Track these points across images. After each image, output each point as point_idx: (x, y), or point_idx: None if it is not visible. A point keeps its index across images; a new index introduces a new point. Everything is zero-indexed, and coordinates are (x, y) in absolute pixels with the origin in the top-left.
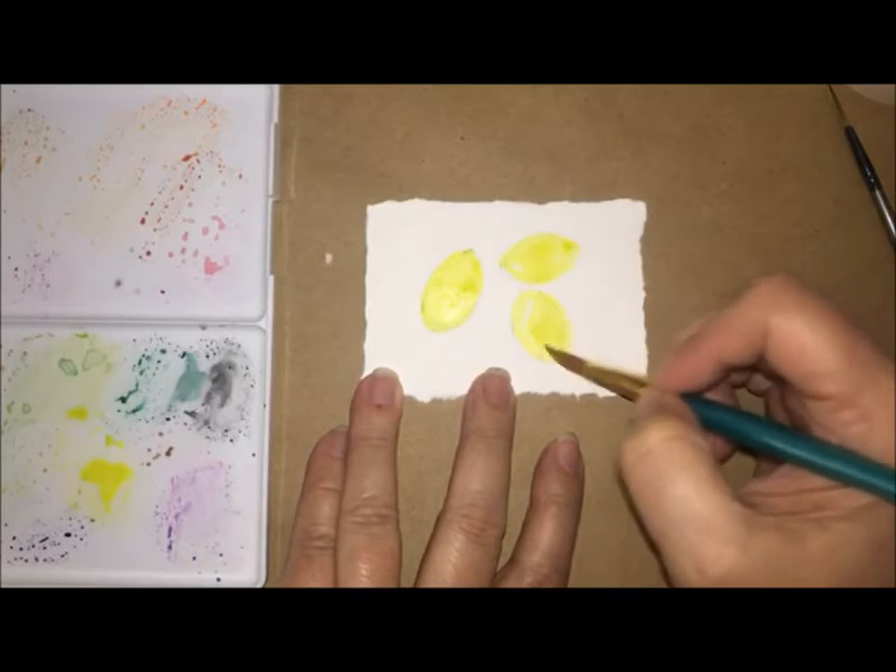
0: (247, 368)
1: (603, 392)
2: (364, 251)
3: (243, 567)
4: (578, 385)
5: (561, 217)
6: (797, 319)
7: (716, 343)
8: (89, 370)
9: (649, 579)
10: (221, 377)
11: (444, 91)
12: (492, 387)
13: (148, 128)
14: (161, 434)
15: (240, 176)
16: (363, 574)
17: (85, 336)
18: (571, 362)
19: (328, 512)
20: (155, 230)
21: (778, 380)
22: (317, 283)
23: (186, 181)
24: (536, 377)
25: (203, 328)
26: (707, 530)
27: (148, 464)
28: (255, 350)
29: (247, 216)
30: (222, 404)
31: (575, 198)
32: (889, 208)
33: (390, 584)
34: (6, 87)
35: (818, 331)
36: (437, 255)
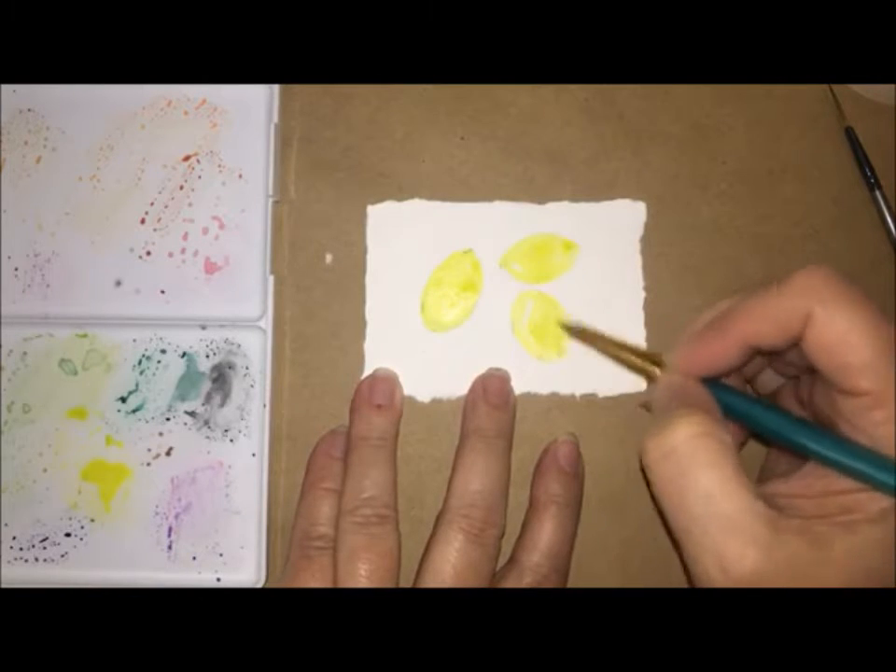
0: (247, 368)
1: (603, 392)
2: (364, 251)
3: (243, 567)
4: (578, 385)
5: (561, 217)
6: (840, 311)
7: (748, 327)
8: (89, 370)
9: (649, 579)
10: (221, 377)
11: (444, 91)
12: (492, 387)
13: (148, 128)
14: (160, 434)
15: (240, 176)
16: (362, 574)
17: (85, 336)
18: (586, 335)
19: (327, 513)
20: (155, 230)
21: (805, 374)
22: (317, 283)
23: (186, 181)
24: (536, 377)
25: (203, 328)
26: (731, 529)
27: (148, 464)
28: (255, 350)
29: (247, 216)
30: (222, 404)
31: (575, 198)
32: (889, 208)
33: (389, 584)
34: (6, 87)
35: (859, 325)
36: (437, 255)
